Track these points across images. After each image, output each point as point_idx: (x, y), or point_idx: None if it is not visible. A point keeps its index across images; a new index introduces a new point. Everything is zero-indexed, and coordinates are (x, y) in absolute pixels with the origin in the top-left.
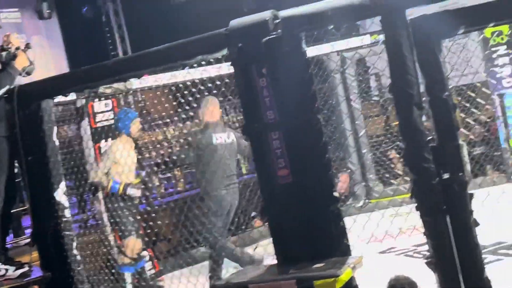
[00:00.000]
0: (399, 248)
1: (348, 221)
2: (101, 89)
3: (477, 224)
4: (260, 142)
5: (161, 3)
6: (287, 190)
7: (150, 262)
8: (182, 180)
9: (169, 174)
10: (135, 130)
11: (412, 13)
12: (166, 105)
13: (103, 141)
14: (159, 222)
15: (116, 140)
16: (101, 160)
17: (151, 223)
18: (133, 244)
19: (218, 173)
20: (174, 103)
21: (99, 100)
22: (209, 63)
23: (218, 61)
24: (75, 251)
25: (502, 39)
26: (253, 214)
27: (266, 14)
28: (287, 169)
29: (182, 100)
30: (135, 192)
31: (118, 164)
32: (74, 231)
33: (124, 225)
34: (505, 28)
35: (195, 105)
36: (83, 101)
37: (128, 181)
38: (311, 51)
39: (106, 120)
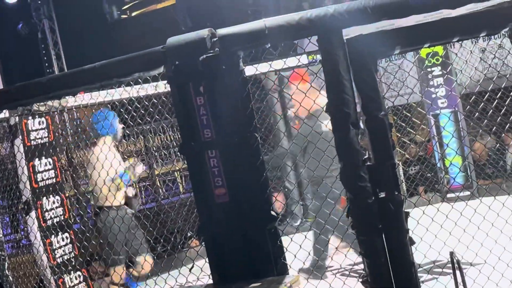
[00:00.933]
0: (336, 267)
1: (285, 240)
2: (35, 107)
3: (412, 242)
4: (196, 161)
5: (98, 21)
6: (224, 209)
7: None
8: None
9: None
10: (120, 131)
11: (349, 33)
12: None
13: (36, 159)
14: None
15: (96, 146)
16: (93, 174)
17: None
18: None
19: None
20: None
21: (33, 117)
22: (146, 81)
23: (155, 79)
24: (6, 272)
25: (437, 60)
26: (189, 233)
27: (204, 32)
28: (224, 188)
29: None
30: (141, 168)
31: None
32: (6, 251)
33: (135, 241)
34: (440, 49)
35: (131, 123)
36: (17, 118)
37: (123, 167)
38: (249, 70)
39: (40, 138)
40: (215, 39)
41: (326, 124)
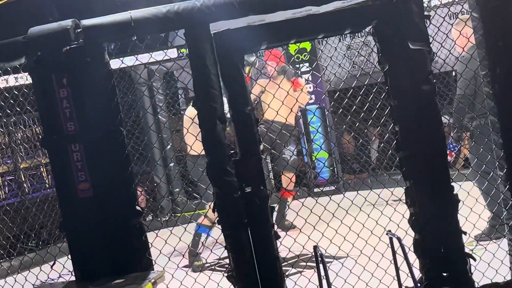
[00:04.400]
0: (203, 262)
1: (151, 235)
2: None
3: (277, 237)
4: (59, 155)
5: None
6: (88, 204)
7: None
8: None
9: None
10: None
11: (217, 27)
12: None
13: None
14: None
15: None
16: None
17: None
18: None
19: None
20: None
21: None
22: (6, 72)
23: (16, 70)
24: None
25: (305, 56)
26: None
27: (67, 23)
28: (87, 182)
29: None
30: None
31: None
32: None
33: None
34: (307, 45)
35: None
36: None
37: None
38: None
39: None
40: (79, 30)
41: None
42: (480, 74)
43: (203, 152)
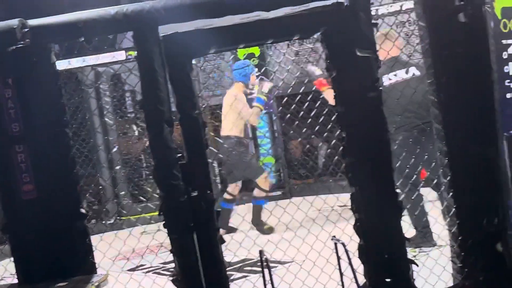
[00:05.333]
0: (148, 265)
1: (95, 238)
2: None
3: (223, 241)
4: (3, 156)
5: None
6: (31, 206)
7: None
8: None
9: None
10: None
11: (166, 30)
12: None
13: None
14: None
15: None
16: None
17: None
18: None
19: None
20: None
21: None
22: None
23: None
24: None
25: (254, 61)
26: None
27: (13, 22)
28: (32, 184)
29: None
30: (267, 85)
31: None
32: None
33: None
34: (256, 50)
35: None
36: None
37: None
38: (64, 64)
39: None
40: (26, 30)
41: None
42: (425, 82)
43: (231, 133)
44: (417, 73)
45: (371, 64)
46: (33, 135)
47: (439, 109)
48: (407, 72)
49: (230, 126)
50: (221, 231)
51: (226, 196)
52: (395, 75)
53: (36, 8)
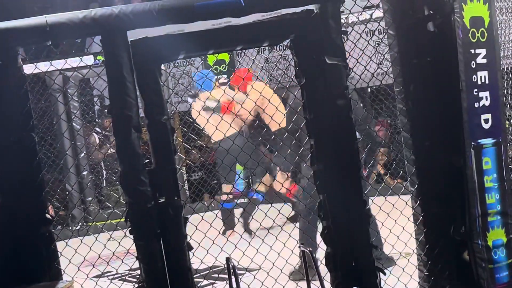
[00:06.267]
0: (114, 272)
1: (61, 244)
2: None
3: (190, 248)
4: None
5: None
6: None
7: None
8: None
9: None
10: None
11: (134, 35)
12: None
13: None
14: None
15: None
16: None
17: None
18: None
19: None
20: None
21: None
22: None
23: None
24: None
25: (223, 67)
26: None
27: None
28: None
29: None
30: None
31: None
32: None
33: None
34: (226, 57)
35: None
36: None
37: None
38: (31, 68)
39: None
40: None
41: None
42: (395, 90)
43: (229, 133)
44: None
45: (340, 72)
46: None
47: (407, 117)
48: None
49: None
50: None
51: (223, 196)
52: None
53: (3, 11)
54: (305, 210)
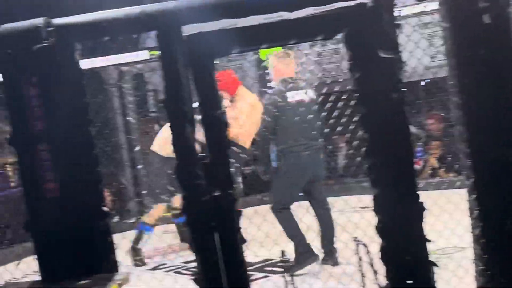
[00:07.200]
0: (169, 264)
1: (117, 237)
2: None
3: (244, 241)
4: (27, 154)
5: None
6: (54, 204)
7: None
8: None
9: None
10: None
11: (189, 29)
12: None
13: None
14: None
15: None
16: None
17: None
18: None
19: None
20: None
21: None
22: None
23: None
24: None
25: None
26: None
27: (38, 21)
28: (54, 182)
29: None
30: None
31: None
32: None
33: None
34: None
35: None
36: None
37: None
38: (88, 63)
39: None
40: (50, 28)
41: None
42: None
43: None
44: (313, 95)
45: (394, 65)
46: (57, 133)
47: (461, 111)
48: (306, 93)
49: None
50: None
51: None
52: (293, 95)
53: (60, 7)
54: (277, 209)
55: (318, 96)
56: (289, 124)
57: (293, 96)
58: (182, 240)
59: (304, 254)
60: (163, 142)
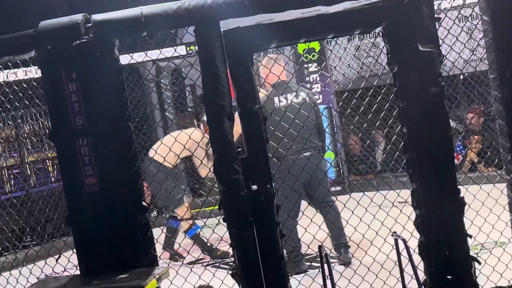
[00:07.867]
0: (207, 259)
1: (156, 231)
2: None
3: (282, 235)
4: (67, 149)
5: None
6: (94, 199)
7: None
8: None
9: None
10: None
11: (227, 24)
12: None
13: None
14: None
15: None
16: None
17: None
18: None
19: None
20: None
21: None
22: (16, 65)
23: (26, 63)
24: None
25: (314, 56)
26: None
27: (78, 17)
28: (94, 177)
29: None
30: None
31: None
32: None
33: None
34: (316, 45)
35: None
36: None
37: None
38: (126, 58)
39: None
40: (89, 24)
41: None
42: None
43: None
44: (307, 98)
45: (433, 59)
46: (96, 128)
47: (502, 104)
48: (297, 97)
49: None
50: None
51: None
52: (285, 98)
53: (98, 3)
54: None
55: (313, 96)
56: (279, 129)
57: (283, 100)
58: (164, 247)
59: (294, 261)
60: (163, 151)
